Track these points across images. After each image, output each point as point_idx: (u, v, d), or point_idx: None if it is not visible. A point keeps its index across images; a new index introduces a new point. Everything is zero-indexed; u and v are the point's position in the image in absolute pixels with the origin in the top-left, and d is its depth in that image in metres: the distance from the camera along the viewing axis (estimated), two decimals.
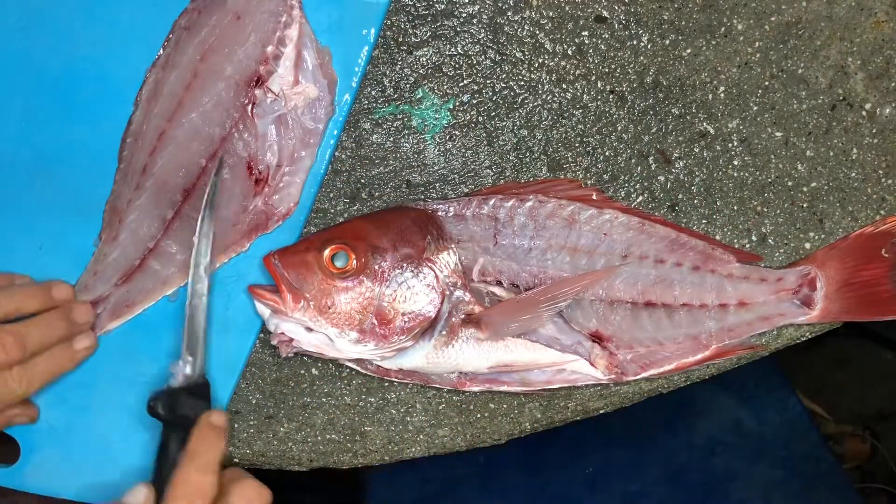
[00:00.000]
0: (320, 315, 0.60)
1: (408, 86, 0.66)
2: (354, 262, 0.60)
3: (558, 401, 0.68)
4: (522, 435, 0.69)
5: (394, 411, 0.68)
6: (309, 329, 0.61)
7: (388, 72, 0.66)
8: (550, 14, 0.65)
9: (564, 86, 0.66)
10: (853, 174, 0.68)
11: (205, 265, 0.61)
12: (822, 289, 0.66)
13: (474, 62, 0.66)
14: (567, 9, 0.65)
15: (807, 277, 0.66)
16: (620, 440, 1.13)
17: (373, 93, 0.66)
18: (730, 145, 0.67)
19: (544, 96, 0.66)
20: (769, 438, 1.14)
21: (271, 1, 0.61)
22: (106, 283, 0.64)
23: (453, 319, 0.62)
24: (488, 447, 0.70)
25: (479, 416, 0.68)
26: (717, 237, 0.68)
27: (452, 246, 0.62)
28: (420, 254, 0.61)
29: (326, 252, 0.60)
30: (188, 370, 0.60)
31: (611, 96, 0.67)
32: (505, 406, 0.68)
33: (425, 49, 0.65)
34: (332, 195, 0.66)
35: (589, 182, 0.67)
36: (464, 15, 0.65)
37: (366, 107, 0.66)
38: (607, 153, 0.67)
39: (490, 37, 0.66)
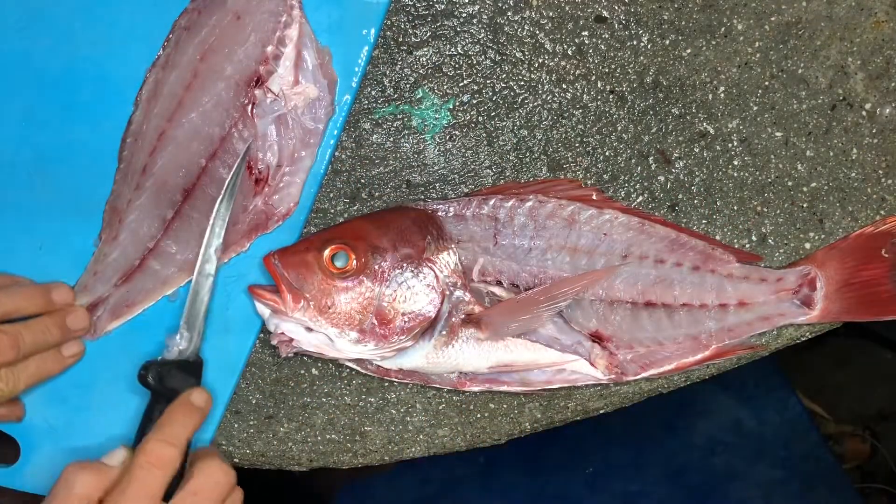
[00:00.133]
0: (320, 315, 0.60)
1: (408, 86, 0.66)
2: (354, 262, 0.60)
3: (558, 401, 0.68)
4: (522, 435, 0.69)
5: (394, 411, 0.68)
6: (309, 329, 0.61)
7: (388, 72, 0.66)
8: (550, 14, 0.65)
9: (564, 86, 0.66)
10: (853, 174, 0.68)
11: (217, 245, 0.61)
12: (822, 289, 0.66)
13: (474, 62, 0.66)
14: (567, 9, 0.65)
15: (807, 277, 0.66)
16: (620, 440, 1.13)
17: (373, 93, 0.66)
18: (730, 145, 0.67)
19: (544, 96, 0.66)
20: (769, 438, 1.14)
21: (271, 1, 0.61)
22: (106, 283, 0.64)
23: (453, 319, 0.62)
24: (488, 447, 0.70)
25: (479, 416, 0.68)
26: (717, 237, 0.68)
27: (452, 246, 0.62)
28: (420, 254, 0.61)
29: (326, 252, 0.60)
30: (183, 344, 0.61)
31: (611, 96, 0.67)
32: (505, 406, 0.68)
33: (425, 49, 0.65)
34: (332, 195, 0.66)
35: (589, 182, 0.67)
36: (464, 15, 0.65)
37: (366, 107, 0.66)
38: (607, 153, 0.67)
39: (490, 37, 0.65)
